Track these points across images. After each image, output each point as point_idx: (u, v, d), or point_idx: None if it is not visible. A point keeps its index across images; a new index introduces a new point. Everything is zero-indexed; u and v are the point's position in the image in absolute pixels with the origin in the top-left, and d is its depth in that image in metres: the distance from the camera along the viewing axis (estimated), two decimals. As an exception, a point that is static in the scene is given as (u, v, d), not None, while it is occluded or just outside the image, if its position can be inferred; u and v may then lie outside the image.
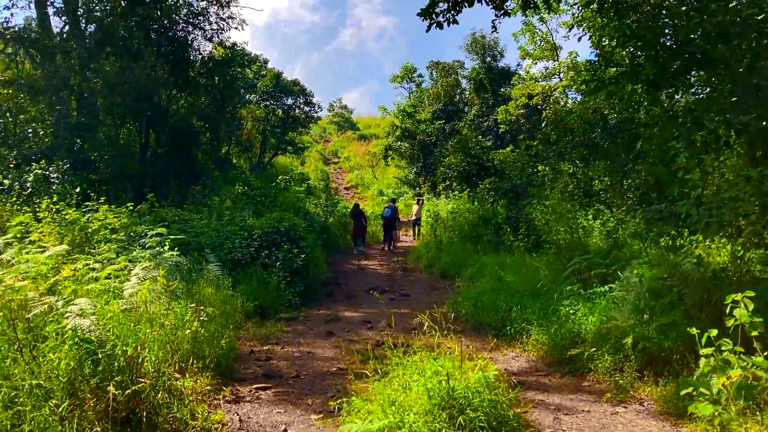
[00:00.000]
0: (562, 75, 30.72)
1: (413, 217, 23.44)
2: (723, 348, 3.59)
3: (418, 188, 33.43)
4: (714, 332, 3.57)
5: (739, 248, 7.40)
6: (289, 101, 32.66)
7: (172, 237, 9.36)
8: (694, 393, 3.99)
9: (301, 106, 33.17)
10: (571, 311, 7.82)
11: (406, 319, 10.29)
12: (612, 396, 6.05)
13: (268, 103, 31.80)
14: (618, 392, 6.14)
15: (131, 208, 10.51)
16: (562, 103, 29.72)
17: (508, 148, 24.77)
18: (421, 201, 25.11)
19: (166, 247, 8.66)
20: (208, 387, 6.07)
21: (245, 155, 31.55)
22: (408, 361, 5.36)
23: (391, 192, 34.74)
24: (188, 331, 6.51)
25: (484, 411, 4.48)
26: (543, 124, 26.29)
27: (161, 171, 18.60)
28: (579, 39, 13.74)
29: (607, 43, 12.02)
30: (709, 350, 3.58)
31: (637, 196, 12.27)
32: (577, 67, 30.56)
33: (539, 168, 16.36)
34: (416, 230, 23.17)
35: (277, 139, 32.48)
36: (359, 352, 7.74)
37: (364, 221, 20.48)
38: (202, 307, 6.66)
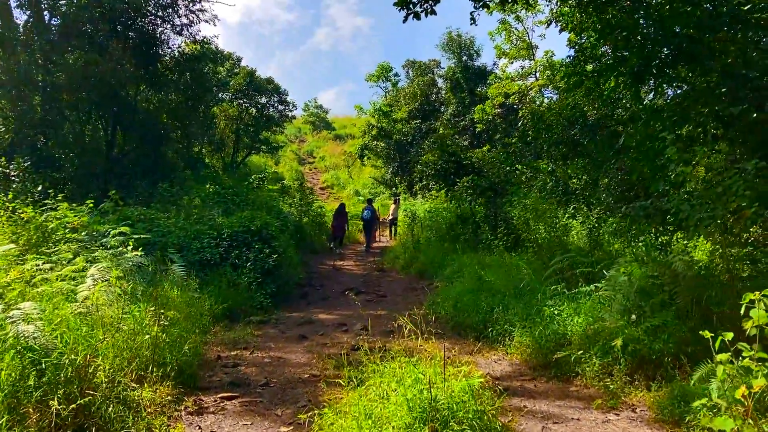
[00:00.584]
0: (538, 74, 30.67)
1: (390, 217, 23.15)
2: (744, 354, 3.22)
3: (394, 188, 33.07)
4: (729, 335, 3.21)
5: (718, 246, 7.11)
6: (263, 100, 32.04)
7: (135, 236, 8.81)
8: (698, 403, 3.62)
9: (275, 105, 32.59)
10: (555, 312, 7.47)
11: (383, 321, 9.88)
12: (602, 402, 5.69)
13: (241, 101, 31.16)
14: (608, 398, 5.79)
15: (91, 206, 9.93)
16: (538, 102, 29.65)
17: (484, 148, 24.57)
18: (397, 200, 24.89)
19: (129, 247, 8.12)
20: (169, 397, 5.59)
21: (218, 155, 30.87)
22: (386, 367, 4.94)
23: (368, 192, 34.32)
24: (147, 336, 6.02)
25: (470, 423, 4.07)
26: (519, 123, 26.15)
27: (129, 169, 17.95)
28: (560, 31, 13.48)
29: (585, 39, 11.74)
30: (725, 356, 3.22)
31: (618, 193, 12.02)
32: (554, 66, 30.61)
33: (518, 166, 16.07)
34: (393, 230, 22.88)
35: (250, 139, 31.87)
36: (333, 358, 7.30)
37: (346, 223, 20.23)
38: (162, 311, 6.15)
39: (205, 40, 19.45)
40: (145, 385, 5.58)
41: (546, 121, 15.57)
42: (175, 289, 8.16)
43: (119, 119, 17.34)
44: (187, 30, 19.12)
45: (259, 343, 8.35)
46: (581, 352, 6.44)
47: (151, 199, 14.84)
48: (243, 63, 32.04)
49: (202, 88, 21.62)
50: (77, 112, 16.96)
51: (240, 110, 31.03)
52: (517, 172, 16.29)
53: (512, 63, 32.19)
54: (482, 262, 11.88)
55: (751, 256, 6.83)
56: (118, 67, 15.28)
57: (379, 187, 35.32)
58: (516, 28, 31.35)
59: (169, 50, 18.39)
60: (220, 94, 29.79)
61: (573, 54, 15.88)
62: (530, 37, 31.20)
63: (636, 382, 5.94)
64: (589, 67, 12.79)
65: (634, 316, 6.40)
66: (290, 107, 32.93)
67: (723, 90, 7.24)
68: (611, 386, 5.88)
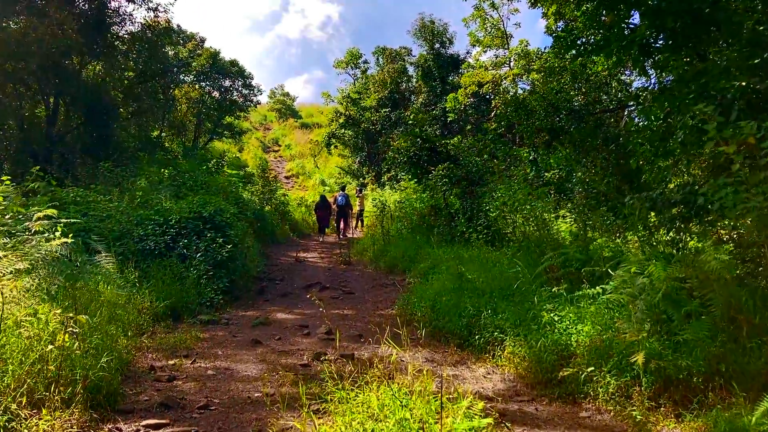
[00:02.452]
0: (513, 63, 29.77)
1: (357, 208, 22.09)
2: None
3: (362, 178, 31.87)
4: None
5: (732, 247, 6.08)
6: (227, 83, 30.60)
7: (64, 221, 7.43)
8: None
9: (240, 89, 31.14)
10: (555, 318, 6.35)
11: (350, 322, 8.70)
12: (627, 435, 4.60)
13: (203, 83, 29.54)
14: (631, 427, 4.69)
15: (8, 183, 8.46)
16: (512, 93, 28.77)
17: (456, 138, 23.53)
18: (360, 191, 23.97)
19: (57, 233, 6.74)
20: (74, 428, 4.29)
21: (178, 139, 29.20)
22: (358, 398, 3.72)
23: (333, 182, 33.05)
24: (51, 346, 4.71)
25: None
26: (493, 114, 25.16)
27: (72, 148, 16.32)
28: (544, 14, 12.46)
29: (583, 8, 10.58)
30: None
31: (607, 184, 11.03)
32: (529, 55, 29.73)
33: (497, 154, 14.98)
34: (360, 222, 21.91)
35: (213, 123, 30.31)
36: (292, 370, 6.07)
37: (329, 215, 20.10)
38: (71, 315, 4.82)
39: (159, 7, 17.72)
40: (44, 410, 4.28)
41: (528, 105, 14.54)
42: (102, 284, 6.81)
43: (62, 92, 15.66)
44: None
45: (204, 348, 7.05)
46: (591, 369, 5.33)
47: (95, 180, 13.29)
48: (207, 44, 30.37)
49: (156, 60, 20.04)
50: (13, 83, 15.23)
51: (202, 93, 29.43)
52: (496, 160, 15.21)
53: (486, 51, 31.22)
54: (460, 257, 10.77)
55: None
56: (59, 33, 13.63)
57: (346, 177, 34.06)
58: (491, 15, 30.36)
59: (119, 18, 16.68)
60: (181, 76, 28.15)
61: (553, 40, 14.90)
62: (505, 26, 30.22)
63: (662, 408, 4.85)
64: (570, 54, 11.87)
65: (659, 327, 5.32)
66: (255, 92, 31.53)
67: (756, 62, 6.19)
68: (636, 414, 4.75)
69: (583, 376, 5.33)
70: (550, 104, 14.17)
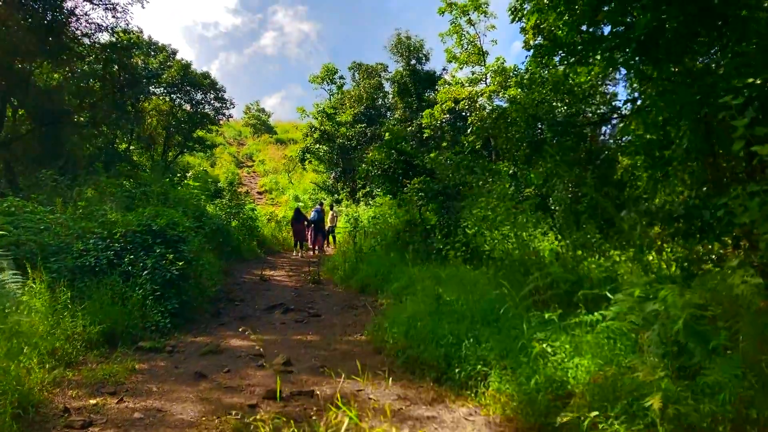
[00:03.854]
0: (489, 80, 29.31)
1: (329, 225, 21.24)
2: None
3: (336, 194, 30.97)
4: None
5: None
6: (198, 96, 29.53)
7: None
8: None
9: (212, 102, 30.08)
10: (548, 348, 5.44)
11: (313, 350, 7.70)
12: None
13: (174, 96, 28.46)
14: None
15: None
16: (489, 108, 28.26)
17: (432, 154, 22.80)
18: (331, 208, 23.32)
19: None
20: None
21: (147, 153, 28.01)
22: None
23: (308, 197, 32.10)
24: None
25: None
26: (470, 129, 24.51)
27: (21, 155, 15.15)
28: (522, 29, 11.86)
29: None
30: None
31: (595, 200, 10.24)
32: (506, 71, 29.32)
33: (475, 168, 14.13)
34: (332, 239, 21.14)
35: (183, 137, 29.14)
36: (237, 413, 5.05)
37: (304, 228, 19.76)
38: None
39: (118, 7, 16.66)
40: None
41: (507, 117, 13.76)
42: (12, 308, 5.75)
43: (10, 94, 14.51)
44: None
45: (137, 383, 5.99)
46: (596, 413, 4.41)
47: (37, 190, 12.15)
48: (178, 57, 29.41)
49: (127, 73, 19.05)
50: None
51: (172, 105, 28.34)
52: (474, 175, 14.37)
53: (462, 68, 30.78)
54: (437, 276, 9.87)
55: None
56: (3, 28, 12.54)
57: (320, 192, 33.13)
58: (468, 32, 29.96)
59: (74, 18, 15.56)
60: (151, 87, 27.08)
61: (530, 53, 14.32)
62: (481, 42, 29.82)
63: (685, 466, 3.95)
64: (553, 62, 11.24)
65: (675, 362, 4.44)
66: (228, 105, 30.44)
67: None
68: (655, 476, 3.85)
69: (586, 422, 4.40)
70: (530, 116, 13.43)
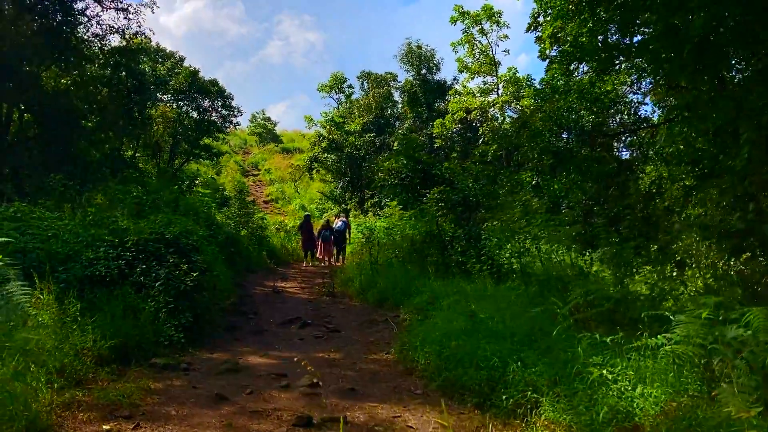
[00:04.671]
0: (501, 90, 28.96)
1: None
2: None
3: (344, 204, 30.52)
4: None
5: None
6: (206, 103, 29.12)
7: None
8: None
9: (219, 110, 29.67)
10: (608, 375, 4.94)
11: (338, 370, 7.20)
12: None
13: (182, 103, 28.10)
14: None
15: None
16: (500, 120, 27.94)
17: (446, 164, 22.39)
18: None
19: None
20: None
21: (154, 161, 27.62)
22: None
23: (314, 207, 31.68)
24: None
25: None
26: (481, 140, 24.10)
27: (28, 161, 14.72)
28: (538, 39, 11.50)
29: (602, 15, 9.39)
30: None
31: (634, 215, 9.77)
32: (518, 81, 28.98)
33: (499, 178, 13.68)
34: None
35: (190, 144, 28.73)
36: (266, 443, 4.56)
37: (313, 236, 19.35)
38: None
39: (130, 8, 16.29)
40: None
41: (531, 126, 13.33)
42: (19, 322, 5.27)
43: (17, 97, 14.09)
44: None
45: (154, 406, 5.49)
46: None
47: (45, 195, 11.70)
48: (186, 63, 29.07)
49: (134, 79, 18.70)
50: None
51: (179, 112, 27.97)
52: (497, 185, 13.93)
53: (474, 78, 30.41)
54: (462, 291, 9.39)
55: None
56: (13, 28, 12.13)
57: (327, 202, 32.70)
58: (480, 42, 29.62)
59: (85, 20, 15.18)
60: (158, 94, 26.72)
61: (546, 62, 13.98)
62: (494, 52, 29.45)
63: None
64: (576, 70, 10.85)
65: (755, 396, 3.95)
66: (235, 112, 30.01)
67: None
68: None
69: (665, 463, 3.91)
70: (555, 124, 13.00)
